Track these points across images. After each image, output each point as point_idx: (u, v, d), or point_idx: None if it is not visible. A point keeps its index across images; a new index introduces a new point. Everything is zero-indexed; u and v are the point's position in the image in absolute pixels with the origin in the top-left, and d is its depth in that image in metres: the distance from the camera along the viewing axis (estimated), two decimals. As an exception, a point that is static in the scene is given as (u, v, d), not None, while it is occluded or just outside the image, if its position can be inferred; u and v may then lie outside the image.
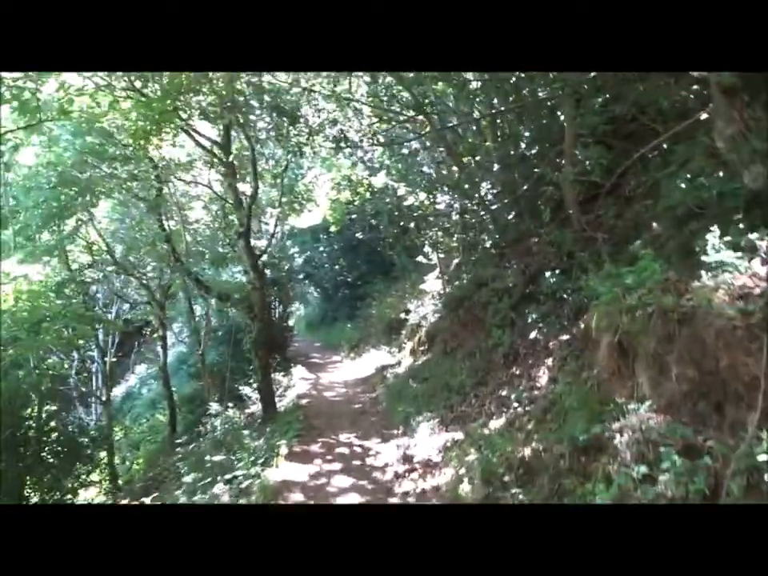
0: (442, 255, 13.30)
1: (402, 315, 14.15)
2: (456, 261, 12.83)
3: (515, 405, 5.15)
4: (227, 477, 5.52)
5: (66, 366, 15.12)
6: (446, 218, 8.57)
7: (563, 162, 6.54)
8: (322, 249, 22.61)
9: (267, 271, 16.42)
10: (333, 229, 17.69)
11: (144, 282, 13.82)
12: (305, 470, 5.67)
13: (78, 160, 9.46)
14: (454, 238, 10.46)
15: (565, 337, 5.52)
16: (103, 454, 13.07)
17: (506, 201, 7.20)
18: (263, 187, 15.44)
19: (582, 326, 5.39)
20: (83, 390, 17.31)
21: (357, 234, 19.12)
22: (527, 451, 4.07)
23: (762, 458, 2.43)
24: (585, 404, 3.93)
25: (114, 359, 20.97)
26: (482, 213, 7.74)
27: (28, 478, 10.50)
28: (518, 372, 5.90)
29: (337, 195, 16.73)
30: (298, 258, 19.73)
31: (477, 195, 7.68)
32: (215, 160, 9.45)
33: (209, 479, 5.70)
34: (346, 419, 8.23)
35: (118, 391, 22.64)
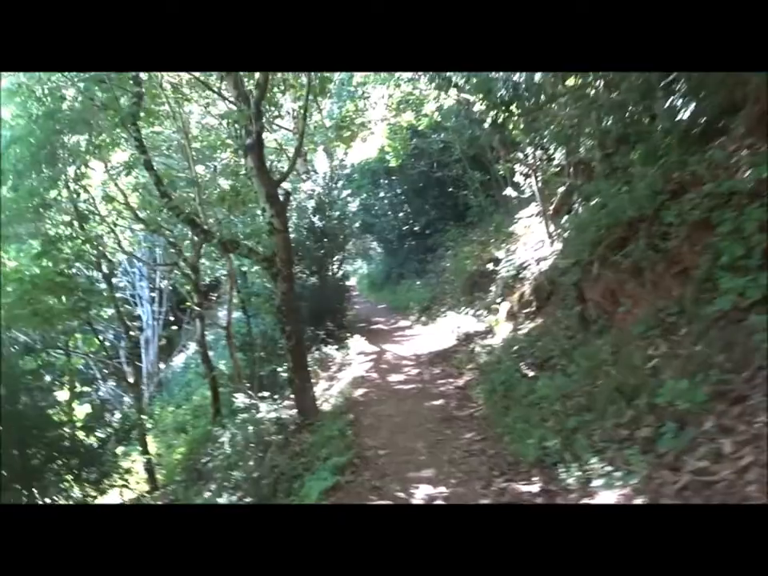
0: (539, 184, 9.73)
1: (489, 266, 10.72)
2: (563, 187, 9.11)
3: None
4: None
5: (98, 342, 12.84)
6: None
7: None
8: (382, 194, 19.29)
9: (315, 219, 13.29)
10: (393, 164, 14.17)
11: (171, 239, 10.98)
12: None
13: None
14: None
15: None
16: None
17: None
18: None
19: None
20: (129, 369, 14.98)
21: (422, 171, 15.51)
22: None
23: None
24: None
25: (176, 327, 19.23)
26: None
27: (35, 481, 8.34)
28: None
29: (396, 119, 13.07)
30: (351, 204, 16.37)
31: None
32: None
33: None
34: (422, 437, 4.89)
35: (178, 360, 21.20)
